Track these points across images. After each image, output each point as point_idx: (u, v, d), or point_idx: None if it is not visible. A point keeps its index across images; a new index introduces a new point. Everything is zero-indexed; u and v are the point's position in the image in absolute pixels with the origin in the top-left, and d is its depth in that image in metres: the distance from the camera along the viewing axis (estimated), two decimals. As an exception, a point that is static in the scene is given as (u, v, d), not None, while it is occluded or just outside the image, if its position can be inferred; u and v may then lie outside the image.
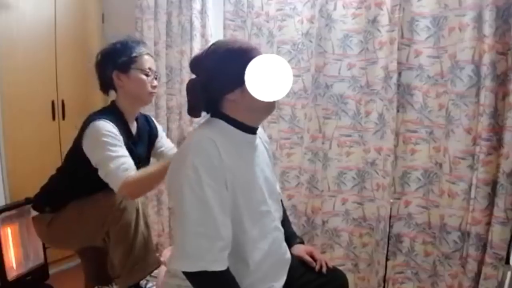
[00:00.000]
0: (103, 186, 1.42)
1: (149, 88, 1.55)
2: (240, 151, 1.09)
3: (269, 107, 1.11)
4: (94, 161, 1.42)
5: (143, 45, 1.60)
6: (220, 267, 0.99)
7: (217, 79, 1.06)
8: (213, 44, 1.10)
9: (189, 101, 1.11)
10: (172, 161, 1.09)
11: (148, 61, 1.55)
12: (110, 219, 1.45)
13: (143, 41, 1.69)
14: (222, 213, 0.99)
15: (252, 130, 1.14)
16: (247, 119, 1.10)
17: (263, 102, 1.06)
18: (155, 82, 1.58)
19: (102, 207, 1.46)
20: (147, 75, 1.54)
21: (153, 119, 1.79)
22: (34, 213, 1.61)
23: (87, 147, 1.44)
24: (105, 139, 1.40)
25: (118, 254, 1.47)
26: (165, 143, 1.78)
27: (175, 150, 1.79)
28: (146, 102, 1.62)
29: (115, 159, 1.39)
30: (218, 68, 1.05)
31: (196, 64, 1.11)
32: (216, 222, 0.98)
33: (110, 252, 1.51)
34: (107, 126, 1.42)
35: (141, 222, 1.48)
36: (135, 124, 1.63)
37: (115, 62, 1.51)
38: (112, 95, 1.60)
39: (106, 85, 1.57)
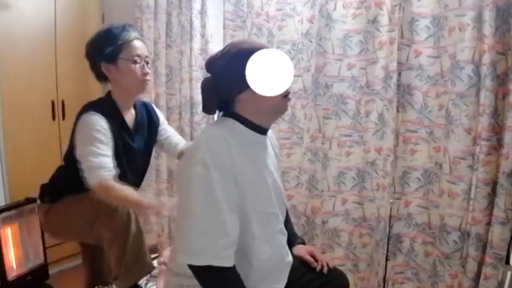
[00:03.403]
0: None
1: (140, 77, 1.48)
2: (251, 151, 1.10)
3: (279, 108, 1.13)
4: (78, 152, 1.42)
5: (130, 30, 1.49)
6: (225, 263, 0.99)
7: (228, 79, 1.07)
8: (228, 45, 1.12)
9: (203, 99, 1.14)
10: (183, 157, 1.11)
11: (136, 47, 1.47)
12: (100, 220, 1.45)
13: (130, 24, 1.55)
14: (229, 210, 1.00)
15: (263, 131, 1.14)
16: (257, 119, 1.11)
17: (273, 102, 1.07)
18: (147, 69, 1.50)
19: (92, 206, 1.45)
20: (136, 62, 1.46)
21: (154, 106, 1.73)
22: (38, 201, 1.65)
23: (76, 137, 1.45)
24: (95, 134, 1.40)
25: (113, 256, 1.47)
26: (168, 129, 1.74)
27: (178, 136, 1.78)
28: (139, 92, 1.55)
29: (99, 156, 1.38)
30: (228, 69, 1.07)
31: (210, 64, 1.13)
32: (223, 219, 0.98)
33: (106, 253, 1.51)
34: (99, 121, 1.41)
35: (133, 225, 1.46)
36: (132, 115, 1.58)
37: (101, 53, 1.45)
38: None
39: (99, 77, 1.53)
